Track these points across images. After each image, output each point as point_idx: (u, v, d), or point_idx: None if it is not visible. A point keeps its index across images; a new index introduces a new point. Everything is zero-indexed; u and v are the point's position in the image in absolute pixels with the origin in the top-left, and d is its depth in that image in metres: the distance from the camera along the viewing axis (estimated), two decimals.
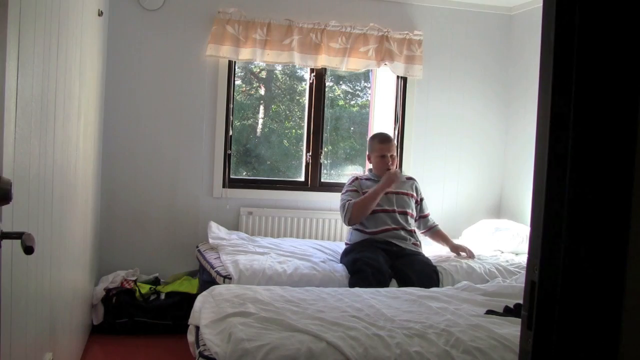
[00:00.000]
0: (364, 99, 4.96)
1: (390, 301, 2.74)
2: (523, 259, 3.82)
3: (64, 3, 2.15)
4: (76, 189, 2.69)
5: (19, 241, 1.34)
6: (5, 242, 1.35)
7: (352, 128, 4.86)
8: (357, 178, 3.77)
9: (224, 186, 4.23)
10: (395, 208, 3.66)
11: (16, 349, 1.62)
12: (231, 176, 4.31)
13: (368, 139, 4.02)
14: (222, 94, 4.20)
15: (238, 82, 4.58)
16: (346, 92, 4.97)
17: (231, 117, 4.25)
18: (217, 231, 3.93)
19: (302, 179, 4.49)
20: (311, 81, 4.44)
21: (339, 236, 4.38)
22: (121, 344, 3.49)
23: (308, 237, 4.32)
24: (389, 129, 4.53)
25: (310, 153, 4.45)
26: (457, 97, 4.62)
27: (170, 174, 4.17)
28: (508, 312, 2.66)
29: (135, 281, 3.77)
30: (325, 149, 4.51)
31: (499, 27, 4.67)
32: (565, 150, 0.91)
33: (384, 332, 2.29)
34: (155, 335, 3.61)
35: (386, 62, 4.34)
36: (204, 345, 2.26)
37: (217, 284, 3.12)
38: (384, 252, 3.48)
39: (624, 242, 0.91)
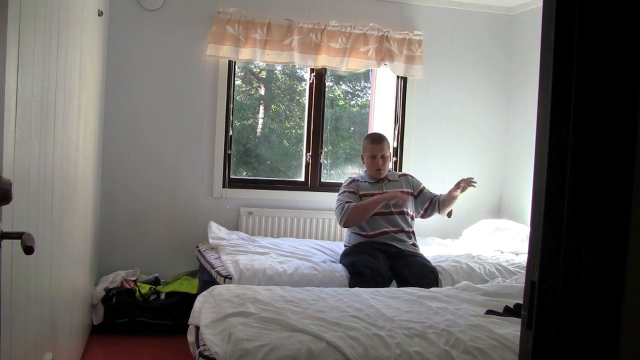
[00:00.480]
0: (364, 99, 4.96)
1: (390, 301, 2.74)
2: (523, 259, 3.82)
3: (64, 3, 2.15)
4: (76, 189, 2.69)
5: (19, 241, 1.34)
6: (5, 242, 1.36)
7: (352, 128, 4.86)
8: (354, 180, 3.76)
9: (224, 186, 4.23)
10: (393, 209, 3.65)
11: (16, 349, 1.62)
12: (231, 176, 4.31)
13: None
14: (222, 94, 4.20)
15: (238, 82, 4.58)
16: (346, 92, 4.96)
17: (231, 117, 4.25)
18: (217, 231, 3.93)
19: (302, 179, 4.49)
20: (311, 81, 4.43)
21: (339, 236, 4.37)
22: (121, 344, 3.49)
23: (308, 237, 4.32)
24: (389, 129, 4.53)
25: (310, 153, 4.44)
26: (457, 97, 4.62)
27: (170, 174, 4.17)
28: (508, 312, 2.66)
29: (135, 281, 3.77)
30: (325, 149, 4.51)
31: (499, 27, 4.67)
32: (565, 150, 0.91)
33: (384, 332, 2.29)
34: (155, 335, 3.61)
35: (386, 62, 4.34)
36: (204, 345, 2.26)
37: (218, 284, 3.12)
38: (383, 254, 3.47)
39: (624, 242, 0.91)
